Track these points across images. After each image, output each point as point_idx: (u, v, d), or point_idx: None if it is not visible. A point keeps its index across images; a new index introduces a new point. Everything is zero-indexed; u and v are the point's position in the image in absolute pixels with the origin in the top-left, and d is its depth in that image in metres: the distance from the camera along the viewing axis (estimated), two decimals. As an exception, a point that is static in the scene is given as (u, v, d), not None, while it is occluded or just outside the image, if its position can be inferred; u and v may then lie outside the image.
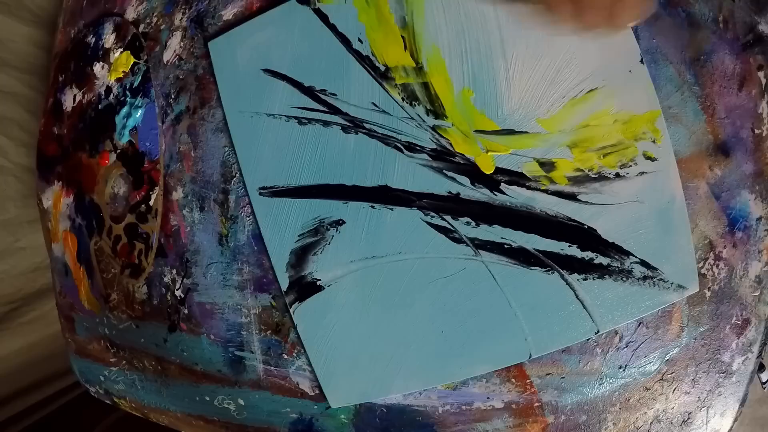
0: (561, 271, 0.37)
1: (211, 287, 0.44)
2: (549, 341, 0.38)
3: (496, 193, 0.38)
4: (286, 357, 0.44)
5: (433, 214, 0.39)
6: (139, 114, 0.46)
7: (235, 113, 0.42)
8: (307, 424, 0.45)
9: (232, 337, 0.45)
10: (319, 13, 0.40)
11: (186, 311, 0.46)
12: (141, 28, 0.46)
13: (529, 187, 0.38)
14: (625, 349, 0.39)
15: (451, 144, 0.38)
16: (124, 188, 0.47)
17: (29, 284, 0.70)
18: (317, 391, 0.44)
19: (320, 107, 0.40)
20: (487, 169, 0.38)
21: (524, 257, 0.38)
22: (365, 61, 0.39)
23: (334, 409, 0.44)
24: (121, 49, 0.47)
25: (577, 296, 0.37)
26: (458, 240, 0.38)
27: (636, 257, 0.37)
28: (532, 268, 0.38)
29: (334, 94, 0.40)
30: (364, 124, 0.40)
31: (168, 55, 0.45)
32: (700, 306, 0.38)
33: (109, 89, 0.47)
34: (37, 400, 0.73)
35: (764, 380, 0.47)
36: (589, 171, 0.37)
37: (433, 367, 0.40)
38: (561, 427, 0.41)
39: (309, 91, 0.40)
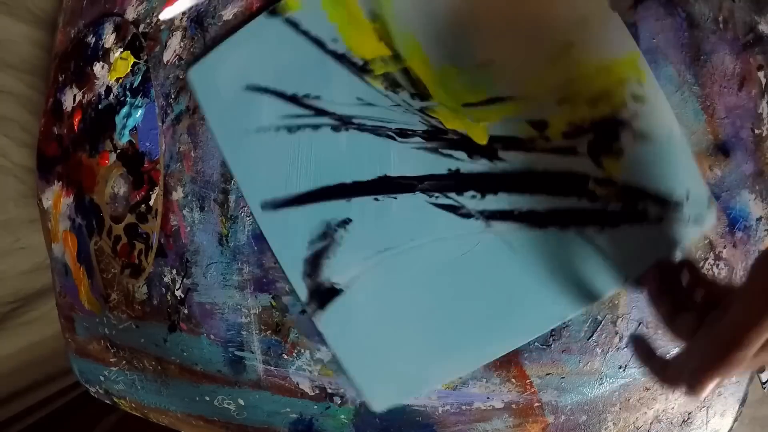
0: (576, 226, 0.37)
1: (211, 287, 0.44)
2: (581, 299, 0.37)
3: (495, 161, 0.38)
4: (286, 357, 0.44)
5: (437, 194, 0.38)
6: (139, 114, 0.46)
7: (225, 134, 0.42)
8: (307, 424, 0.45)
9: (232, 337, 0.45)
10: (290, 22, 0.40)
11: (186, 311, 0.46)
12: (141, 28, 0.46)
13: (526, 149, 0.37)
14: (625, 349, 0.39)
15: (441, 122, 0.38)
16: (124, 188, 0.47)
17: (29, 284, 0.70)
18: (317, 391, 0.44)
19: (307, 112, 0.40)
20: (482, 140, 0.38)
21: (536, 219, 0.37)
22: (343, 58, 0.39)
23: (334, 409, 0.44)
24: (121, 49, 0.47)
25: (597, 249, 0.36)
26: (467, 215, 0.38)
27: (650, 195, 0.36)
28: (547, 228, 0.37)
29: (318, 97, 0.40)
30: (353, 120, 0.39)
31: (168, 55, 0.45)
32: (700, 306, 0.38)
33: (109, 89, 0.47)
34: (37, 400, 0.73)
35: (764, 380, 0.47)
36: (581, 123, 0.37)
37: (472, 348, 0.39)
38: (561, 427, 0.41)
39: (293, 99, 0.40)
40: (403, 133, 0.39)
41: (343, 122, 0.40)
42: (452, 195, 0.38)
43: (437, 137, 0.39)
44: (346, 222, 0.40)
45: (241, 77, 0.41)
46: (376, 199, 0.39)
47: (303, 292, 0.41)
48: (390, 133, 0.39)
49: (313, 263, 0.41)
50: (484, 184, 0.38)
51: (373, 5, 0.39)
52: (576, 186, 0.37)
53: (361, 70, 0.39)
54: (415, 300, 0.39)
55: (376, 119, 0.39)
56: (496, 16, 0.37)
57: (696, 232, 0.36)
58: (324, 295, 0.41)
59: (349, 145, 0.40)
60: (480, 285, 0.38)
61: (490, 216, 0.38)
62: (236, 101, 0.42)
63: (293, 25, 0.40)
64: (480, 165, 0.38)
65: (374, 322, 0.40)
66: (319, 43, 0.40)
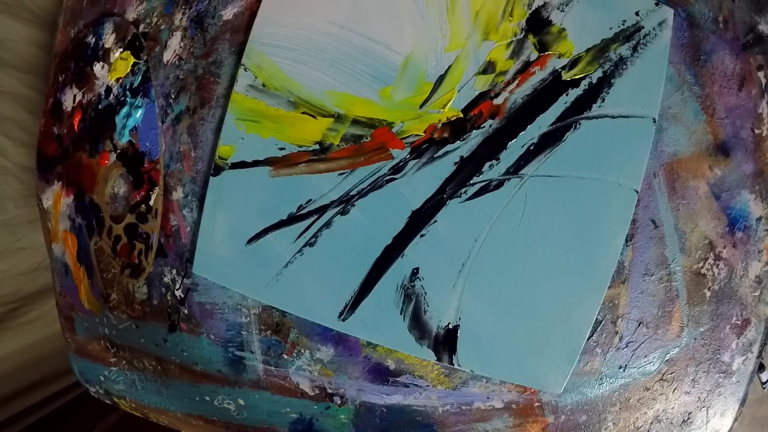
0: (582, 116, 0.37)
1: (211, 287, 0.44)
2: (634, 167, 0.37)
3: (482, 126, 0.38)
4: (286, 357, 0.44)
5: (462, 191, 0.39)
6: (139, 114, 0.46)
7: (262, 293, 0.42)
8: (307, 424, 0.45)
9: (232, 337, 0.45)
10: (235, 165, 0.41)
11: (186, 311, 0.46)
12: (141, 28, 0.46)
13: (497, 95, 0.38)
14: (625, 349, 0.39)
15: (416, 135, 0.39)
16: (124, 188, 0.47)
17: (29, 284, 0.70)
18: (317, 391, 0.44)
19: (312, 219, 0.40)
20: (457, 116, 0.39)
21: (552, 138, 0.38)
22: (302, 157, 0.40)
23: (334, 409, 0.44)
24: (121, 49, 0.47)
25: (613, 116, 0.37)
26: (499, 184, 0.38)
27: (611, 43, 0.37)
28: (564, 137, 0.38)
29: (310, 200, 0.40)
30: (351, 193, 0.40)
31: (168, 55, 0.45)
32: (700, 306, 0.39)
33: (109, 89, 0.47)
34: (37, 400, 0.73)
35: (764, 380, 0.47)
36: (515, 37, 0.38)
37: (585, 289, 0.39)
38: (561, 427, 0.41)
39: (293, 219, 0.41)
40: (397, 169, 0.39)
41: (347, 202, 0.40)
42: (475, 179, 0.39)
43: (424, 149, 0.39)
44: (414, 273, 0.40)
45: (236, 239, 0.42)
46: (422, 235, 0.39)
47: (431, 356, 0.40)
48: (387, 177, 0.39)
49: (418, 326, 0.40)
50: (489, 149, 0.38)
51: (283, 96, 0.40)
52: (559, 85, 0.37)
53: (323, 152, 0.40)
54: (516, 281, 0.39)
55: (368, 177, 0.40)
56: (379, 19, 0.39)
57: (666, 34, 0.37)
58: (448, 342, 0.40)
59: (366, 215, 0.40)
60: (555, 226, 0.38)
61: (516, 169, 0.38)
62: (248, 262, 0.42)
63: (240, 165, 0.41)
64: (473, 138, 0.38)
65: (500, 326, 0.40)
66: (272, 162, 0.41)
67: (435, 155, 0.39)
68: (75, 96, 0.50)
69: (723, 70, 0.37)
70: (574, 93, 0.38)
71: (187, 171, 0.44)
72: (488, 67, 0.38)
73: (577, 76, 0.37)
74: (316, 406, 0.44)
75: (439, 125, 0.39)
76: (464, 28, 0.38)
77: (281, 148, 0.41)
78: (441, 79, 0.39)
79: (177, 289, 0.46)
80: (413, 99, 0.39)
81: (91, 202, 0.49)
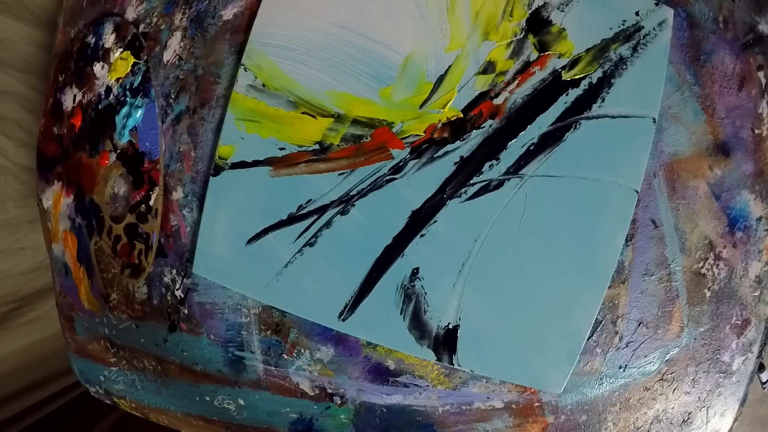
0: (582, 116, 0.37)
1: (211, 287, 0.44)
2: (634, 167, 0.37)
3: (481, 126, 0.38)
4: (286, 357, 0.44)
5: (462, 191, 0.39)
6: (139, 114, 0.46)
7: (262, 293, 0.42)
8: (307, 424, 0.45)
9: (232, 337, 0.45)
10: (235, 165, 0.41)
11: (186, 311, 0.46)
12: (141, 28, 0.46)
13: (497, 95, 0.38)
14: (625, 349, 0.39)
15: (416, 135, 0.39)
16: (124, 188, 0.47)
17: (29, 284, 0.70)
18: (317, 391, 0.44)
19: (312, 219, 0.40)
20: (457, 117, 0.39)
21: (552, 138, 0.38)
22: (302, 157, 0.40)
23: (334, 409, 0.44)
24: (121, 49, 0.47)
25: (613, 117, 0.37)
26: (499, 184, 0.38)
27: (611, 43, 0.37)
28: (564, 137, 0.38)
29: (310, 200, 0.40)
30: (351, 193, 0.40)
31: (168, 55, 0.45)
32: (700, 306, 0.39)
33: (109, 89, 0.47)
34: (37, 400, 0.73)
35: (764, 380, 0.47)
36: (515, 37, 0.38)
37: (585, 288, 0.38)
38: (561, 427, 0.41)
39: (293, 219, 0.41)
40: (397, 169, 0.39)
41: (347, 202, 0.40)
42: (475, 179, 0.38)
43: (424, 149, 0.39)
44: (414, 273, 0.40)
45: (236, 239, 0.42)
46: (422, 235, 0.39)
47: (431, 356, 0.40)
48: (387, 177, 0.39)
49: (418, 326, 0.40)
50: (489, 149, 0.38)
51: (283, 96, 0.40)
52: (559, 85, 0.37)
53: (323, 152, 0.40)
54: (516, 281, 0.39)
55: (368, 177, 0.39)
56: (380, 21, 0.39)
57: (666, 35, 0.37)
58: (447, 341, 0.40)
59: (366, 215, 0.40)
60: (554, 226, 0.38)
61: (516, 169, 0.38)
62: (248, 262, 0.42)
63: (240, 165, 0.41)
64: (473, 138, 0.38)
65: (500, 326, 0.39)
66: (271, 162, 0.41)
67: (435, 155, 0.39)
68: (75, 96, 0.50)
69: (723, 70, 0.37)
70: (574, 93, 0.38)
71: (187, 171, 0.44)
72: (488, 67, 0.38)
73: (577, 76, 0.37)
74: (316, 406, 0.44)
75: (439, 125, 0.39)
76: (464, 28, 0.38)
77: (281, 148, 0.41)
78: (441, 79, 0.39)
79: (177, 289, 0.46)
80: (413, 99, 0.39)
81: (91, 202, 0.49)
